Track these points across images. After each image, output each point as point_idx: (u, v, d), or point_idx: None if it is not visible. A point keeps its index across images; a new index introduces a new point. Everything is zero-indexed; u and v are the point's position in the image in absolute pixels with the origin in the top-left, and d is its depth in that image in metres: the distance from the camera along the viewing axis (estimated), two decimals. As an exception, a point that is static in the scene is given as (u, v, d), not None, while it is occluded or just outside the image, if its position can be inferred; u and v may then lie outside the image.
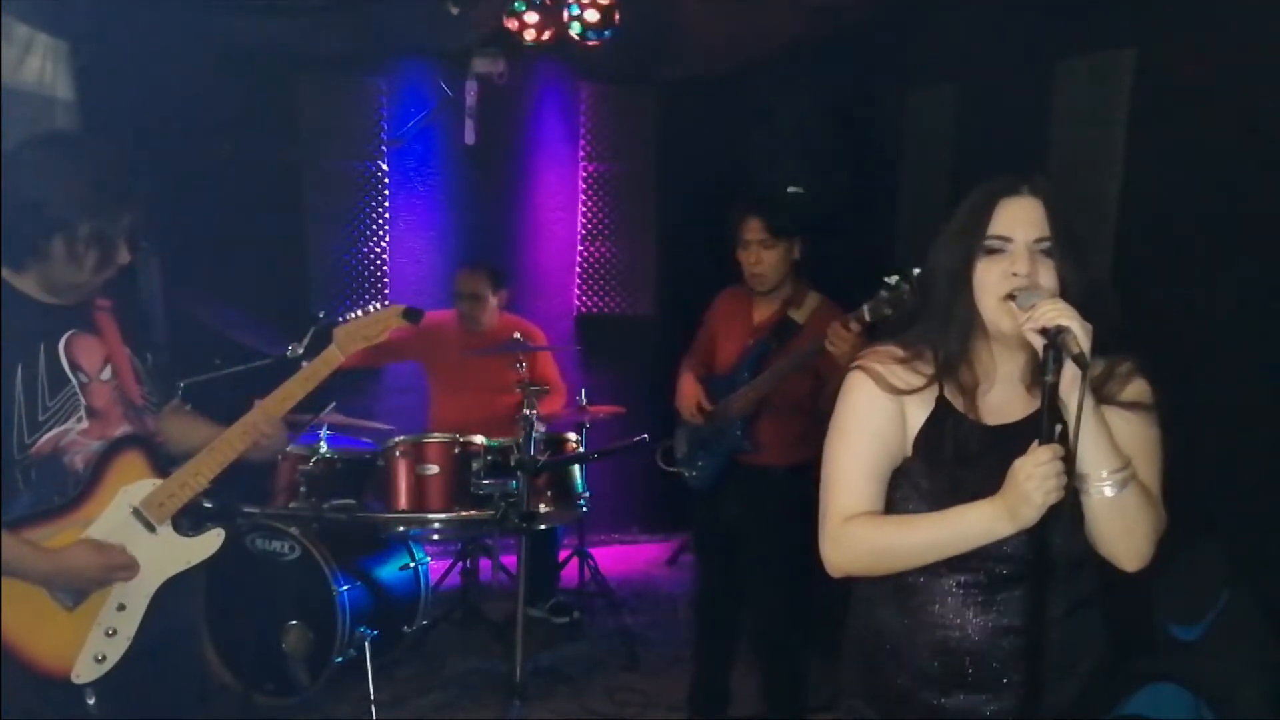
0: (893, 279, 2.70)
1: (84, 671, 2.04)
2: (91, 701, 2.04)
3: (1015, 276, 1.56)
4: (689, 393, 3.29)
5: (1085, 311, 1.49)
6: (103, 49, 4.34)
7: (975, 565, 1.63)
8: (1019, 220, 1.59)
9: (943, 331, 1.66)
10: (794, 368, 3.00)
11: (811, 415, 3.15)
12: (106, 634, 2.07)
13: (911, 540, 1.62)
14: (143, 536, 2.10)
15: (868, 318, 2.76)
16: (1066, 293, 1.55)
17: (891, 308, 2.70)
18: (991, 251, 1.60)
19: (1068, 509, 1.49)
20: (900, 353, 1.71)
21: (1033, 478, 1.46)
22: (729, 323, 3.36)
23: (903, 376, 1.68)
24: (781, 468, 3.17)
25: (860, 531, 1.65)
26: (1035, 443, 1.49)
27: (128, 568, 2.07)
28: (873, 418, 1.68)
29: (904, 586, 1.70)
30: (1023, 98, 3.80)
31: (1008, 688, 1.64)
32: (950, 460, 1.64)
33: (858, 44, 4.83)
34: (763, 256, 3.17)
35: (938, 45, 4.36)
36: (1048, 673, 1.57)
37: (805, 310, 3.18)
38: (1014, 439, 1.61)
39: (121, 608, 2.08)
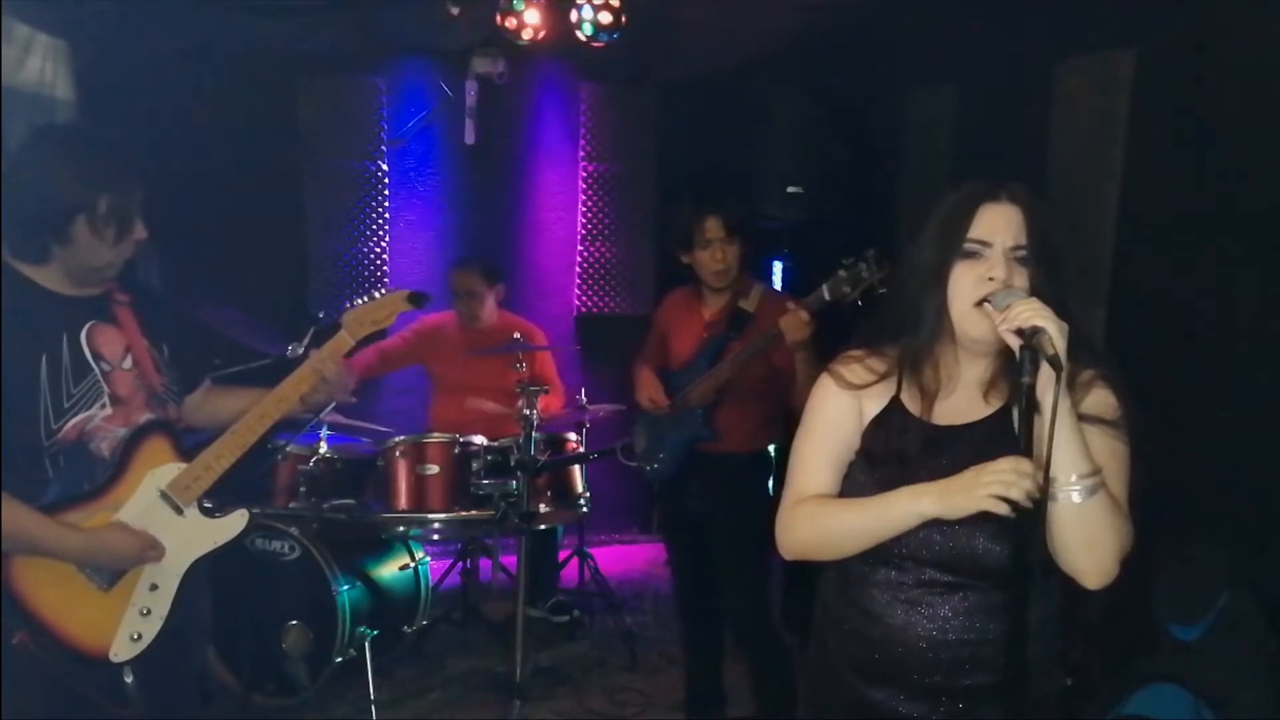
0: (849, 259, 2.76)
1: (121, 650, 2.12)
2: (130, 680, 2.13)
3: (991, 281, 1.57)
4: (647, 385, 3.33)
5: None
6: (103, 49, 4.34)
7: (904, 563, 1.64)
8: (998, 226, 1.59)
9: (911, 331, 1.66)
10: (753, 355, 3.05)
11: (769, 402, 3.21)
12: (141, 613, 2.15)
13: (842, 518, 1.66)
14: (171, 519, 2.18)
15: (827, 297, 2.82)
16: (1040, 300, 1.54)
17: (851, 286, 2.77)
18: (969, 255, 1.60)
19: (1037, 519, 1.47)
20: (864, 355, 1.75)
21: (998, 472, 1.45)
22: (681, 321, 3.38)
23: (859, 373, 1.73)
24: (743, 454, 3.22)
25: (803, 510, 1.71)
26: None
27: (155, 547, 2.15)
28: (831, 411, 1.73)
29: (847, 575, 1.72)
30: (1023, 98, 3.81)
31: (929, 692, 1.63)
32: (891, 457, 1.66)
33: (858, 44, 4.83)
34: (726, 253, 3.18)
35: (938, 45, 4.36)
36: (983, 683, 1.59)
37: (753, 300, 3.22)
38: (958, 441, 1.63)
39: (154, 587, 2.17)
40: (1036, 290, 1.56)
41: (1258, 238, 2.89)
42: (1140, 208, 3.31)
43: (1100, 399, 1.60)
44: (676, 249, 3.28)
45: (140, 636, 2.13)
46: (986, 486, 1.46)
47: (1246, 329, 2.93)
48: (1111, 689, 2.73)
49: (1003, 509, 1.45)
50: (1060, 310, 1.51)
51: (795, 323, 2.85)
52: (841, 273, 2.78)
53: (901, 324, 1.68)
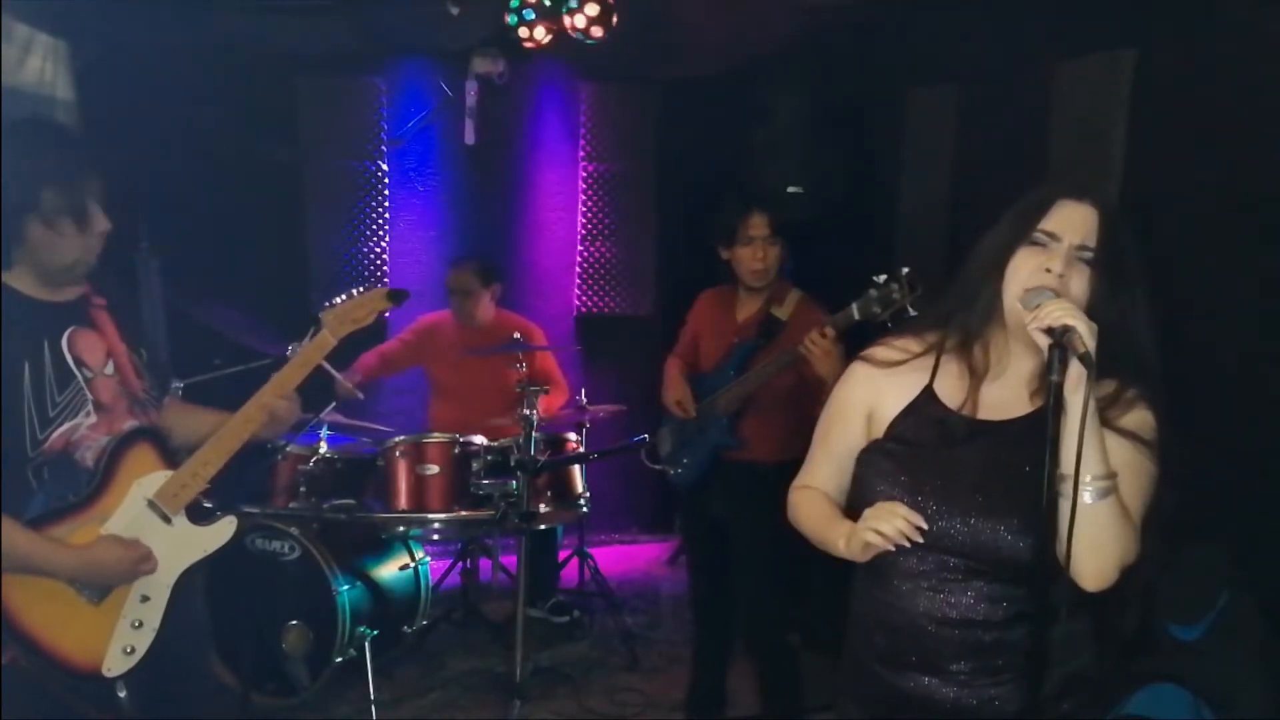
0: (882, 278, 2.72)
1: (114, 665, 2.08)
2: (123, 695, 2.09)
3: (1048, 273, 1.56)
4: (676, 389, 3.30)
5: (1111, 333, 1.48)
6: (103, 49, 4.34)
7: (927, 552, 1.64)
8: (1071, 222, 1.59)
9: (966, 310, 1.67)
10: (780, 368, 3.01)
11: (796, 412, 3.16)
12: (133, 626, 2.11)
13: (805, 523, 1.81)
14: (159, 528, 2.14)
15: (856, 316, 2.77)
16: (1097, 309, 1.54)
17: (882, 306, 2.72)
18: (1034, 244, 1.60)
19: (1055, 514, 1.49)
20: (899, 340, 1.78)
21: (874, 516, 1.58)
22: (713, 322, 3.36)
23: (887, 354, 1.77)
24: (767, 464, 3.17)
25: (792, 500, 1.87)
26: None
27: (149, 560, 2.11)
28: (847, 412, 1.81)
29: (873, 568, 1.73)
30: (1023, 98, 3.80)
31: (955, 676, 1.65)
32: (920, 445, 1.67)
33: (858, 44, 4.83)
34: (768, 252, 3.16)
35: (938, 45, 4.36)
36: (1009, 665, 1.61)
37: (787, 307, 3.19)
38: (989, 435, 1.64)
39: (145, 599, 2.13)
40: (1096, 296, 1.57)
41: (1258, 237, 2.89)
42: (1140, 208, 3.30)
43: (1140, 418, 1.61)
44: (717, 243, 3.24)
45: (133, 650, 2.10)
46: (863, 529, 1.60)
47: (1247, 329, 2.93)
48: (1111, 689, 2.72)
49: (878, 539, 1.58)
50: (1122, 325, 1.52)
51: (817, 341, 2.81)
52: (872, 292, 2.73)
53: (957, 304, 1.69)
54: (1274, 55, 2.83)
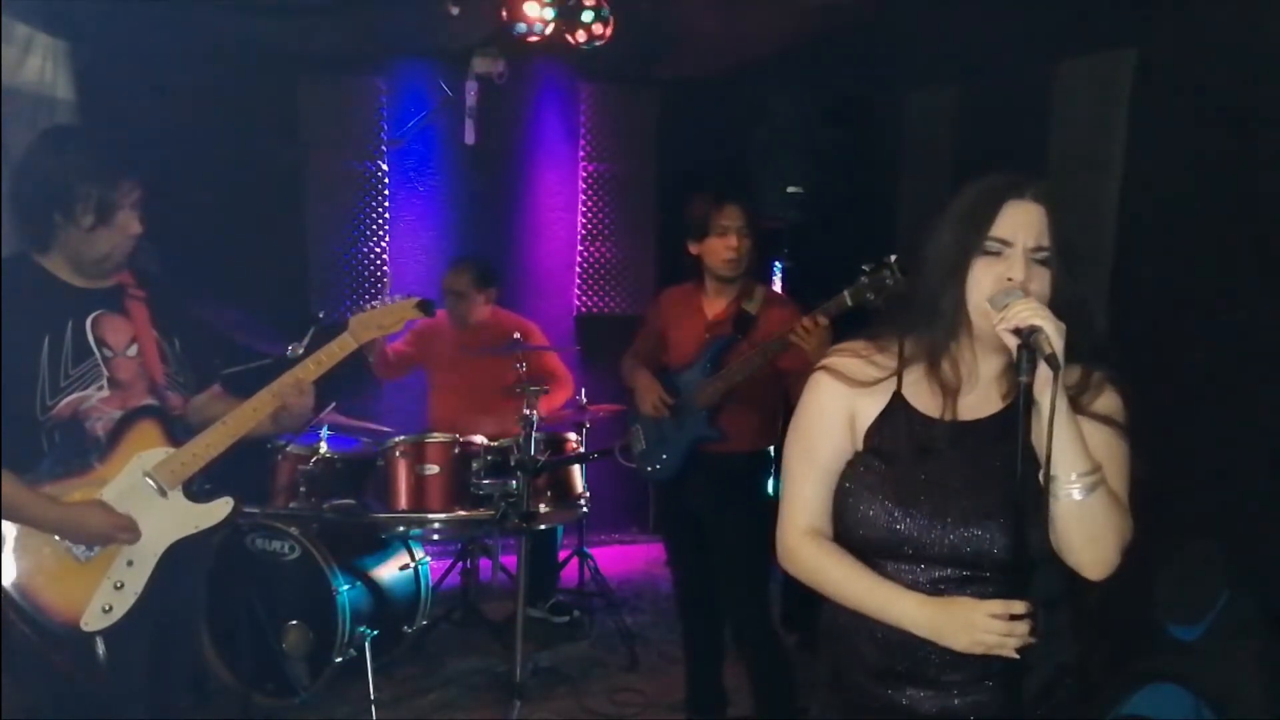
0: (872, 265, 2.74)
1: (92, 620, 2.20)
2: (101, 651, 2.21)
3: (1010, 281, 1.55)
4: (650, 389, 3.30)
5: (1071, 322, 1.48)
6: (103, 49, 4.34)
7: (916, 563, 1.63)
8: (1021, 225, 1.58)
9: (929, 325, 1.64)
10: (763, 359, 3.02)
11: (771, 402, 3.23)
12: (115, 586, 2.23)
13: (840, 585, 1.68)
14: (154, 500, 2.27)
15: (849, 302, 2.79)
16: (1058, 303, 1.54)
17: (873, 292, 2.73)
18: (989, 253, 1.58)
19: (1031, 511, 1.50)
20: (863, 348, 1.74)
21: (981, 630, 1.52)
22: (681, 319, 3.36)
23: (864, 370, 1.71)
24: (744, 454, 3.23)
25: (810, 557, 1.72)
26: (997, 604, 1.52)
27: (130, 530, 2.23)
28: (829, 422, 1.71)
29: None
30: (1023, 98, 3.80)
31: (948, 688, 1.64)
32: (898, 456, 1.65)
33: (858, 44, 4.83)
34: (741, 242, 3.17)
35: (938, 45, 4.35)
36: (997, 670, 1.59)
37: (756, 301, 3.21)
38: (965, 437, 1.64)
39: (130, 563, 2.25)
40: (1058, 292, 1.56)
41: (1258, 237, 2.89)
42: (1140, 208, 3.30)
43: (1110, 400, 1.62)
44: (688, 237, 3.26)
45: (111, 609, 2.21)
46: (979, 638, 1.53)
47: (1247, 328, 2.92)
48: (1111, 689, 2.72)
49: (1009, 652, 1.52)
50: (1080, 312, 1.52)
51: (809, 327, 2.83)
52: (864, 279, 2.74)
53: (917, 318, 1.66)
54: (1274, 54, 2.83)
